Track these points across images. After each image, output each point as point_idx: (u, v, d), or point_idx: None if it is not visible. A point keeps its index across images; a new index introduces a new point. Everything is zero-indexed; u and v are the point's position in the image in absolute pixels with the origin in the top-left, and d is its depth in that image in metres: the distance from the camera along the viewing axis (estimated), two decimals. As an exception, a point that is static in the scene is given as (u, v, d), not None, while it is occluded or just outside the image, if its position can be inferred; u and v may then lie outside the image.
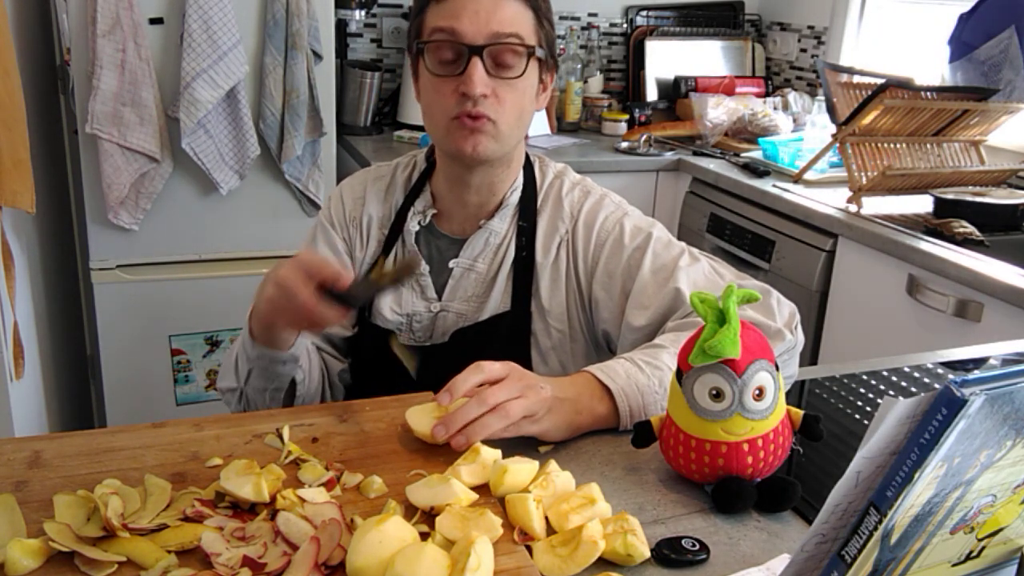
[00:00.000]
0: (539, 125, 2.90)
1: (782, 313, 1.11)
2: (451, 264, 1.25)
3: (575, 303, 1.22)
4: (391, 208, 1.29)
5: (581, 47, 3.18)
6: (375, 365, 1.25)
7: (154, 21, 2.12)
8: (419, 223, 1.26)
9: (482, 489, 0.86)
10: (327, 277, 1.00)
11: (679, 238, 1.25)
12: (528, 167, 1.27)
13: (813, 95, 2.99)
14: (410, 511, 0.82)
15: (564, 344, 1.23)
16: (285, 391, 1.19)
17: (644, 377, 1.02)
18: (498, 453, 0.89)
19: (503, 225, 1.24)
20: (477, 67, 1.11)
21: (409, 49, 1.20)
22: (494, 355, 0.97)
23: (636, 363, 1.04)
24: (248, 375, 1.16)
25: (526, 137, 1.30)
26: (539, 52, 1.16)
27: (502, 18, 1.11)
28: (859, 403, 1.17)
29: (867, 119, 2.23)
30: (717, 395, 0.85)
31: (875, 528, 0.57)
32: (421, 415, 0.94)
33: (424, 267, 1.25)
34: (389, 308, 1.26)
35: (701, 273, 1.17)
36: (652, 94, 3.19)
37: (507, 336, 1.22)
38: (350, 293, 1.01)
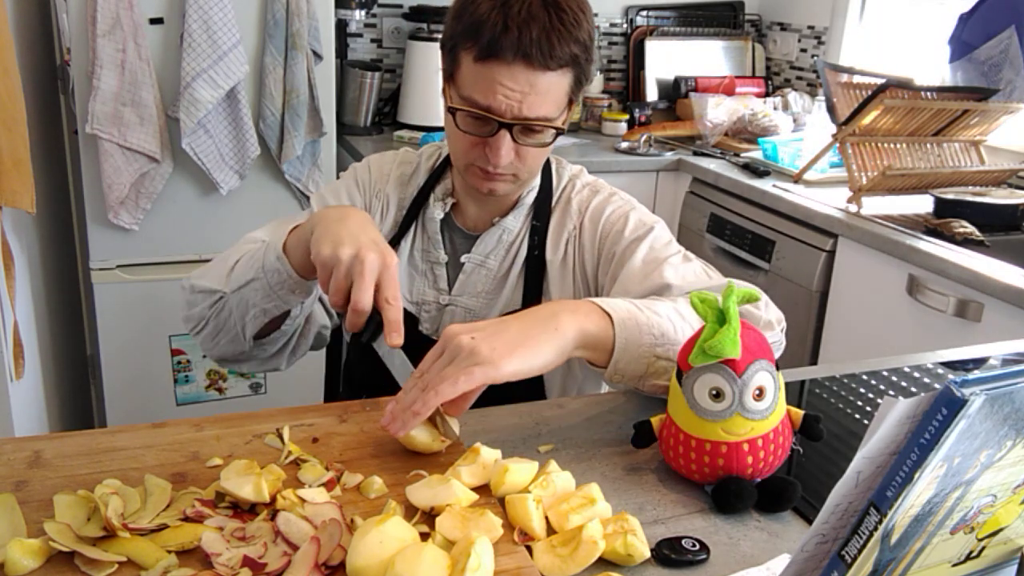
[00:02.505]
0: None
1: (769, 314, 1.11)
2: (463, 259, 1.26)
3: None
4: (411, 193, 1.30)
5: (581, 47, 3.18)
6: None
7: (154, 21, 2.13)
8: (442, 210, 1.26)
9: (482, 489, 0.86)
10: (389, 318, 0.94)
11: (679, 238, 1.26)
12: (546, 168, 1.28)
13: (813, 95, 2.99)
14: (410, 511, 0.82)
15: None
16: (269, 320, 1.13)
17: (643, 317, 0.99)
18: (498, 453, 0.89)
19: (516, 223, 1.25)
20: (505, 140, 1.11)
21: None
22: None
23: (635, 305, 1.01)
24: (246, 283, 1.10)
25: None
26: (568, 121, 1.16)
27: (533, 101, 1.08)
28: (859, 403, 1.17)
29: (867, 119, 2.23)
30: (717, 395, 0.85)
31: (875, 528, 0.57)
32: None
33: (443, 257, 1.27)
34: (401, 295, 1.26)
35: (691, 271, 1.16)
36: (652, 94, 3.19)
37: None
38: (377, 340, 0.97)
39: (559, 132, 1.14)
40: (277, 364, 1.24)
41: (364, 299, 0.93)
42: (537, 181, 1.26)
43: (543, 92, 1.09)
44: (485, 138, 1.12)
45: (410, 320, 1.27)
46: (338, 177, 1.37)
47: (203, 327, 1.18)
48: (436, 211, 1.27)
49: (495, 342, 0.88)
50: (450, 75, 1.15)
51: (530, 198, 1.26)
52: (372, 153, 1.36)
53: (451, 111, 1.14)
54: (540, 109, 1.10)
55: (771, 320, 1.09)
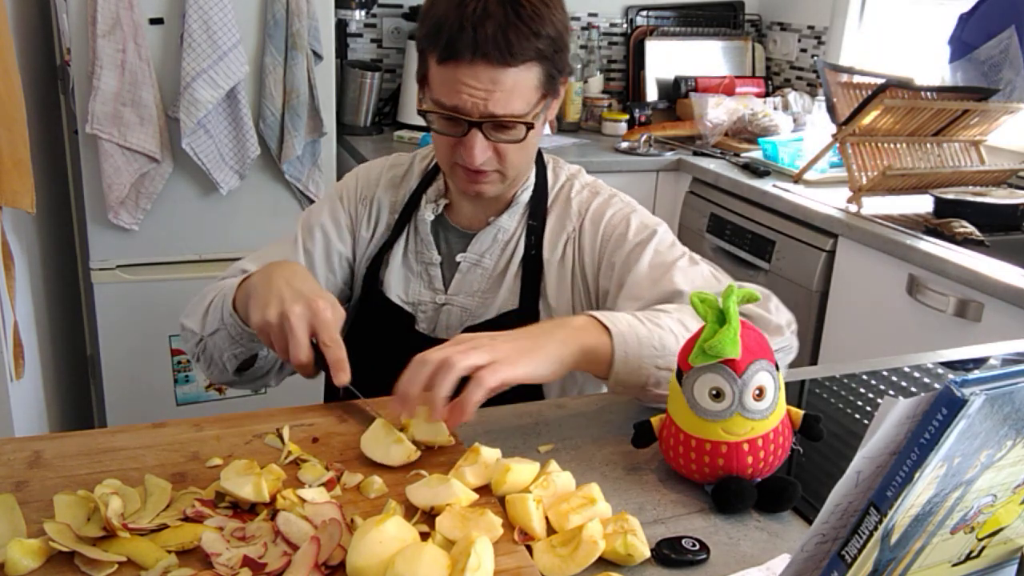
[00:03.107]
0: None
1: (779, 318, 1.11)
2: (458, 258, 1.26)
3: (581, 302, 1.23)
4: (404, 195, 1.30)
5: (581, 47, 3.18)
6: (382, 349, 1.19)
7: (154, 21, 2.12)
8: (432, 212, 1.27)
9: (482, 489, 0.86)
10: (329, 359, 1.01)
11: (679, 238, 1.25)
12: (541, 167, 1.28)
13: (813, 95, 2.99)
14: (410, 511, 0.82)
15: None
16: (244, 360, 1.20)
17: (644, 330, 1.00)
18: (498, 452, 0.89)
19: (512, 222, 1.25)
20: (476, 138, 1.12)
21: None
22: None
23: (637, 317, 1.02)
24: (214, 332, 1.17)
25: None
26: (540, 115, 1.16)
27: (499, 97, 1.09)
28: (859, 403, 1.17)
29: (867, 119, 2.23)
30: (717, 395, 0.85)
31: (875, 528, 0.57)
32: (376, 443, 0.92)
33: (436, 257, 1.27)
34: (397, 296, 1.27)
35: (699, 275, 1.16)
36: (652, 94, 3.19)
37: None
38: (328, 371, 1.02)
39: (530, 127, 1.14)
40: (266, 383, 1.30)
41: (299, 354, 1.00)
42: (532, 180, 1.26)
43: (508, 89, 1.09)
44: (460, 138, 1.13)
45: (407, 320, 1.27)
46: (338, 180, 1.37)
47: (196, 359, 1.26)
48: (426, 213, 1.27)
49: (506, 347, 0.93)
50: (423, 78, 1.16)
51: (525, 196, 1.26)
52: (372, 153, 1.38)
53: (423, 114, 1.16)
54: (508, 106, 1.10)
55: (780, 324, 1.08)
